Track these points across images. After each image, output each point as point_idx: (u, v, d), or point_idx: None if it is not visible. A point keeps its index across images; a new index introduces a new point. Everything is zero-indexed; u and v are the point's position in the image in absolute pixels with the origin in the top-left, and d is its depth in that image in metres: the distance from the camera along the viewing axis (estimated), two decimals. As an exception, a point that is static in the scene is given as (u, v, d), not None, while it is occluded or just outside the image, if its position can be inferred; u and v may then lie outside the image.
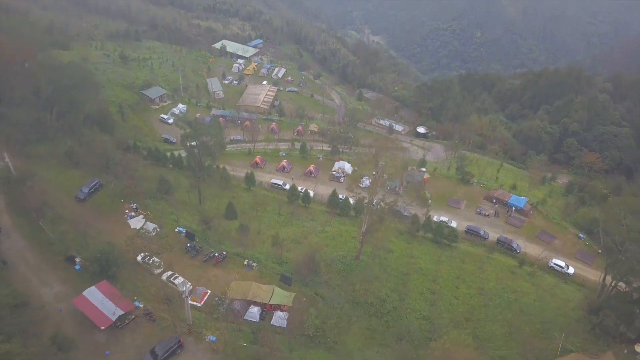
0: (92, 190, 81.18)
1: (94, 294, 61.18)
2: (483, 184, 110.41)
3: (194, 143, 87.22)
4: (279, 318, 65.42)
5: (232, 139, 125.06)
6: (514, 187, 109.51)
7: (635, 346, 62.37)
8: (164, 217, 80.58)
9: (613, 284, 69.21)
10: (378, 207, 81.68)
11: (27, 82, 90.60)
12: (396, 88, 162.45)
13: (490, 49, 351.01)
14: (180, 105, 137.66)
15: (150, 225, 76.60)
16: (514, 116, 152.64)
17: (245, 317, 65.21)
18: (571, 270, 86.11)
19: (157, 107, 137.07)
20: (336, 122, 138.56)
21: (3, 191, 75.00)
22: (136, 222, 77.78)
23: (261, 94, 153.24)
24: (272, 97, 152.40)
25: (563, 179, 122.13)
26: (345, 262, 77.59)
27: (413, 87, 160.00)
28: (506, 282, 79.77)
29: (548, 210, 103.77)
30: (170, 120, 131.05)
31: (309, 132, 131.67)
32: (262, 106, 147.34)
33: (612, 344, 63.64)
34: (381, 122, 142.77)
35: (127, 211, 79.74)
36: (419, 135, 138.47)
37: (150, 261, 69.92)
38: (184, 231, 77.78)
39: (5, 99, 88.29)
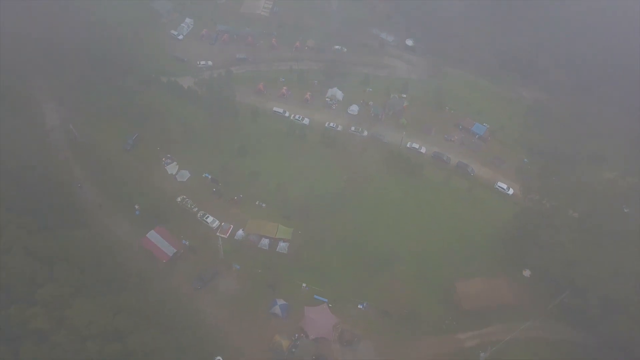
0: (135, 142, 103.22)
1: (154, 236, 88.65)
2: (453, 110, 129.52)
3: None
4: (282, 247, 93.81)
5: (237, 57, 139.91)
6: (479, 112, 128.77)
7: (523, 271, 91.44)
8: (192, 162, 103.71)
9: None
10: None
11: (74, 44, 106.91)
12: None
13: None
14: (188, 20, 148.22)
15: (184, 172, 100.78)
16: (505, 21, 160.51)
17: (259, 246, 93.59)
18: (511, 191, 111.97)
19: (165, 21, 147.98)
20: (332, 35, 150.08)
21: (72, 152, 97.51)
22: (172, 168, 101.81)
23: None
24: (271, 2, 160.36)
25: (531, 95, 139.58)
26: (332, 197, 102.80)
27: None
28: (454, 208, 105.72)
29: (505, 135, 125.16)
30: (180, 37, 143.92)
31: (306, 48, 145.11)
32: (262, 13, 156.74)
33: (511, 269, 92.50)
34: (377, 34, 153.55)
35: (163, 158, 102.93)
36: (407, 48, 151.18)
37: (189, 205, 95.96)
38: (210, 177, 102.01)
39: (59, 61, 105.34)
